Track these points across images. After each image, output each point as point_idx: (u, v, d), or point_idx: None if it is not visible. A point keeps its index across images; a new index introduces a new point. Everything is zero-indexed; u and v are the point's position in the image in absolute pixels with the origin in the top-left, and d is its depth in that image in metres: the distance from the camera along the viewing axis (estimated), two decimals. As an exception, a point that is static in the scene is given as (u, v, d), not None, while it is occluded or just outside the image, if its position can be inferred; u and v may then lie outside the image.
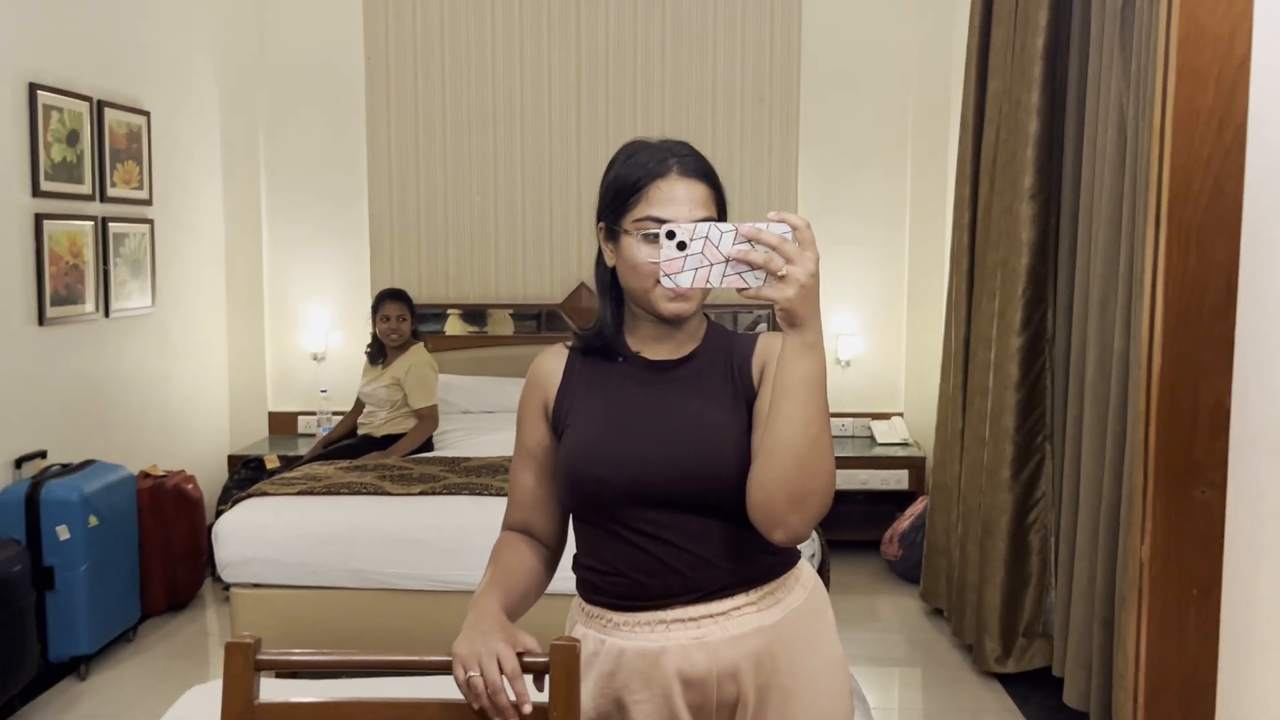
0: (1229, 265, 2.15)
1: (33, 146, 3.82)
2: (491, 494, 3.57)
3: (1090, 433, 3.08)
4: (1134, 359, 2.72)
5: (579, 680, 1.36)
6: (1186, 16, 2.08)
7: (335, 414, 5.06)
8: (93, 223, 4.17)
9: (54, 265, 3.92)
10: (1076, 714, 3.17)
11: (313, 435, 5.22)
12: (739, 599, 1.50)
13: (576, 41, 5.25)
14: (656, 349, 1.56)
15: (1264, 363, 2.10)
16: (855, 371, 5.34)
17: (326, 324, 5.40)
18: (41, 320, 3.86)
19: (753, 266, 1.27)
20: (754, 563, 1.51)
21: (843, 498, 4.73)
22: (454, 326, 5.38)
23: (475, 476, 3.76)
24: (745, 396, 1.51)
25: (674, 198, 1.46)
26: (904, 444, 5.14)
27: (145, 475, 4.23)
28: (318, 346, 5.39)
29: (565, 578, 1.64)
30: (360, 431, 4.69)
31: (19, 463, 3.74)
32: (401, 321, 4.61)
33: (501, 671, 1.32)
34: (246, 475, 4.72)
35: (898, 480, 4.96)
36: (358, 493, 3.64)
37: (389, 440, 4.54)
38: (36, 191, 3.84)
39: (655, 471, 1.48)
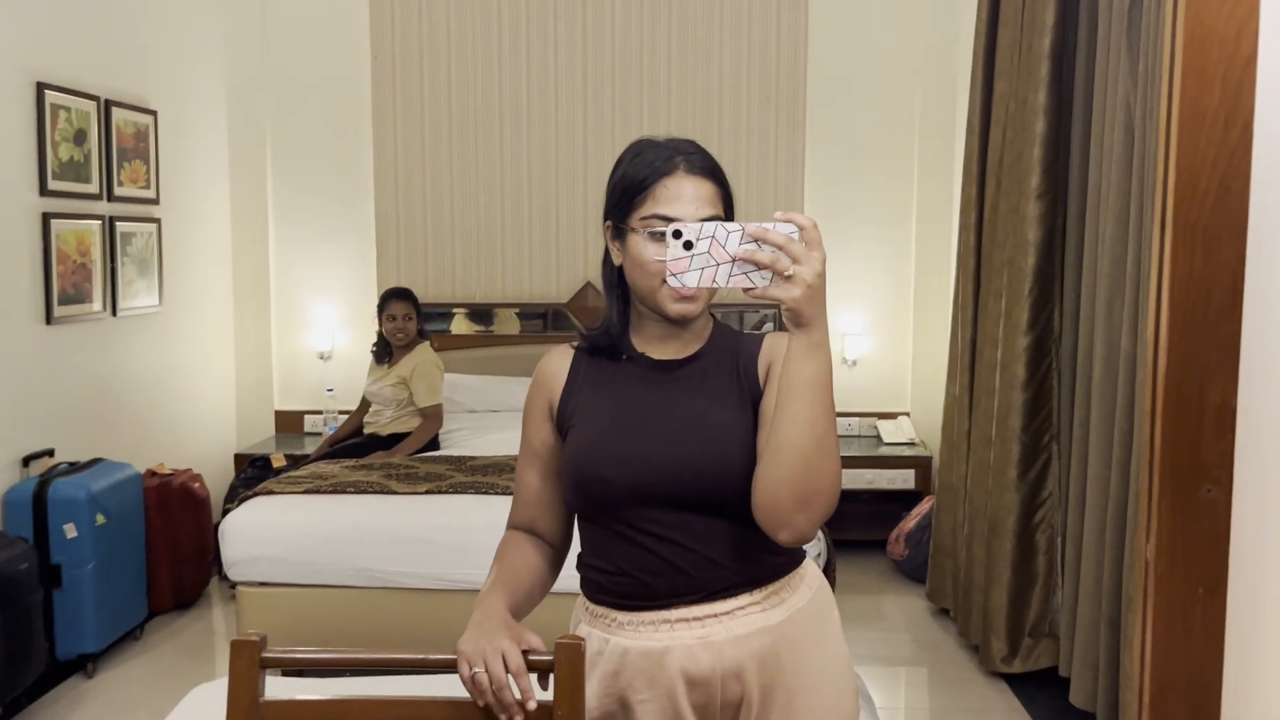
0: (1235, 265, 2.14)
1: (40, 146, 3.83)
2: (497, 493, 3.58)
3: (1097, 433, 3.08)
4: (1141, 359, 2.72)
5: (584, 679, 1.36)
6: (1192, 17, 2.08)
7: (341, 413, 5.07)
8: (100, 222, 4.18)
9: (61, 264, 3.93)
10: (1083, 714, 3.16)
11: (319, 434, 5.23)
12: (744, 599, 1.50)
13: (583, 42, 5.26)
14: (662, 348, 1.56)
15: (1270, 362, 2.10)
16: (862, 371, 5.34)
17: (333, 323, 5.41)
18: (49, 319, 3.88)
19: (759, 266, 1.27)
20: (759, 563, 1.51)
21: (849, 497, 4.72)
22: (460, 326, 5.38)
23: (481, 475, 3.77)
24: (751, 396, 1.51)
25: (680, 195, 1.46)
26: (910, 444, 5.14)
27: (152, 474, 4.25)
28: (324, 345, 5.40)
29: (570, 577, 1.64)
30: (366, 430, 4.70)
31: (27, 461, 3.75)
32: (408, 320, 4.62)
33: (506, 668, 1.32)
34: (253, 474, 4.73)
35: (904, 480, 4.96)
36: (364, 491, 3.65)
37: (395, 439, 4.55)
38: (44, 191, 3.85)
39: (660, 471, 1.48)
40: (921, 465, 4.97)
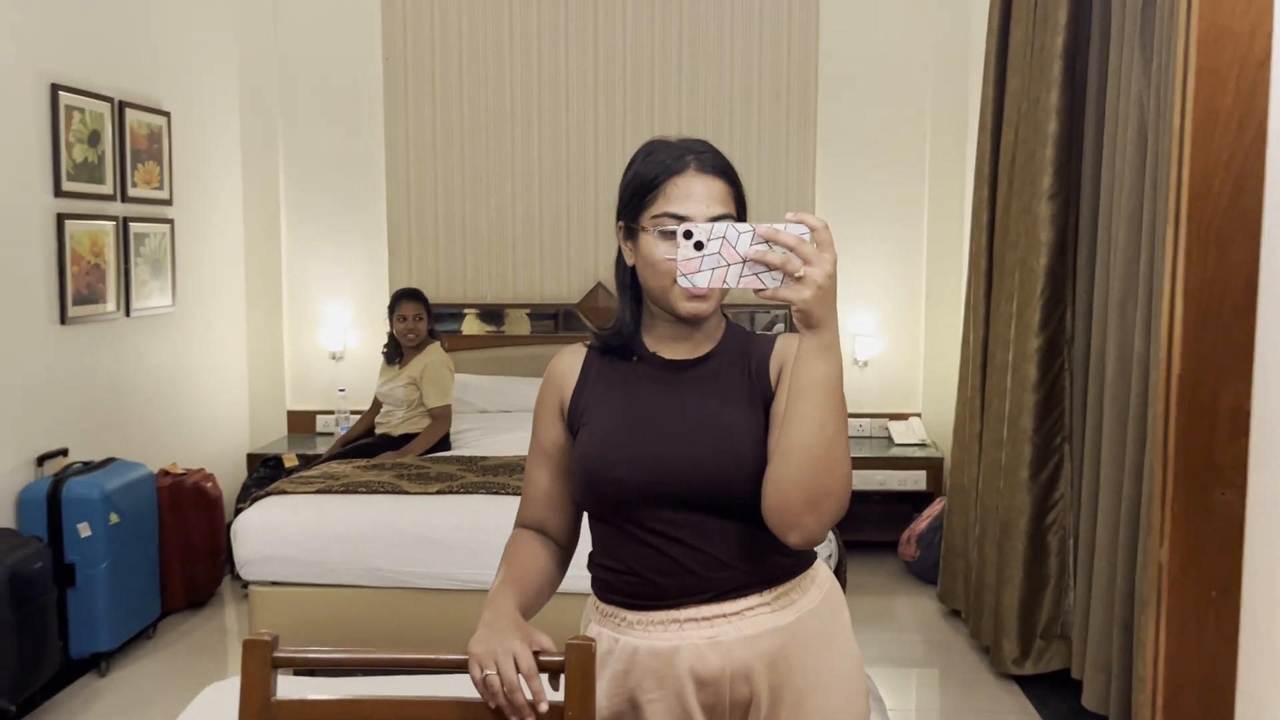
0: (1249, 266, 2.13)
1: (54, 147, 3.85)
2: (508, 493, 3.58)
3: (1109, 434, 3.06)
4: (1154, 360, 2.71)
5: (594, 679, 1.36)
6: (1206, 16, 2.07)
7: (353, 413, 5.08)
8: (114, 223, 4.20)
9: (75, 265, 3.95)
10: (1095, 717, 3.15)
11: (331, 434, 5.25)
12: (753, 599, 1.50)
13: (594, 42, 5.26)
14: (674, 348, 1.56)
15: (1285, 364, 2.09)
16: (873, 372, 5.33)
17: (345, 323, 5.43)
18: (63, 319, 3.90)
19: (770, 267, 1.27)
20: (769, 563, 1.51)
21: (860, 498, 4.71)
22: (471, 326, 5.39)
23: (492, 475, 3.77)
24: (763, 397, 1.51)
25: (691, 194, 1.46)
26: (922, 445, 5.12)
27: (165, 473, 4.26)
28: (336, 346, 5.42)
29: (580, 577, 1.64)
30: (378, 431, 4.71)
31: (41, 460, 3.77)
32: (418, 321, 4.63)
33: (518, 670, 1.32)
34: (265, 474, 4.75)
35: (915, 481, 4.95)
36: (375, 491, 3.65)
37: (406, 439, 4.56)
38: (58, 191, 3.87)
39: (671, 471, 1.48)
40: (933, 466, 4.96)
